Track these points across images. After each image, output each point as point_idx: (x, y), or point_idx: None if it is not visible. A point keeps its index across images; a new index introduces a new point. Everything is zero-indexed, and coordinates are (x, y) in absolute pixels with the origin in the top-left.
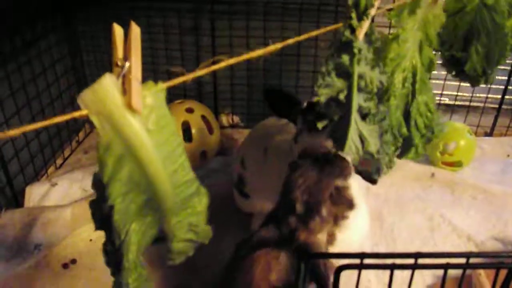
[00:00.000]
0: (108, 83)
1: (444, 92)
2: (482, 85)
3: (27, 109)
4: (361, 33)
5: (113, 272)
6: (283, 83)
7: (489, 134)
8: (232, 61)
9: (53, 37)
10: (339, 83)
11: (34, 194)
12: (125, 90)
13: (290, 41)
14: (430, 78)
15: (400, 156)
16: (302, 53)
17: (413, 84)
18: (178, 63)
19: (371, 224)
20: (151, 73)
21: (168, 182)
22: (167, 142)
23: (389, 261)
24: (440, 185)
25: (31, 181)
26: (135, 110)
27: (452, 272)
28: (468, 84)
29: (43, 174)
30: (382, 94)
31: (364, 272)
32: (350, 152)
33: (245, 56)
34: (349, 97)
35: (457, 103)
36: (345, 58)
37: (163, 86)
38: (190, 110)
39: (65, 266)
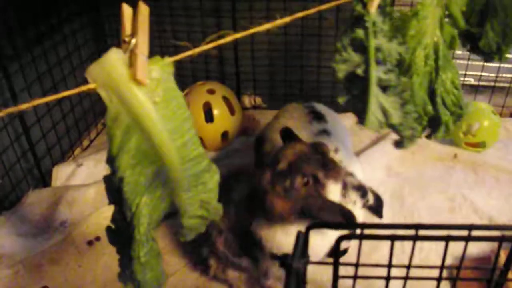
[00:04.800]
0: (114, 57)
1: (468, 72)
2: (508, 65)
3: (53, 93)
4: (372, 6)
5: (119, 250)
6: (304, 63)
7: None
8: (238, 35)
9: (77, 22)
10: (356, 57)
11: (61, 174)
12: (132, 63)
13: (299, 14)
14: (454, 58)
15: (429, 137)
16: (323, 33)
17: (436, 61)
18: (199, 45)
19: (391, 204)
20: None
21: (175, 154)
22: (174, 115)
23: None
24: (462, 166)
25: (58, 162)
26: (140, 82)
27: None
28: (492, 64)
29: (70, 156)
30: (404, 66)
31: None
32: (373, 126)
33: (251, 31)
34: (367, 70)
35: (481, 83)
36: (359, 32)
37: (169, 60)
38: (211, 91)
39: (89, 243)
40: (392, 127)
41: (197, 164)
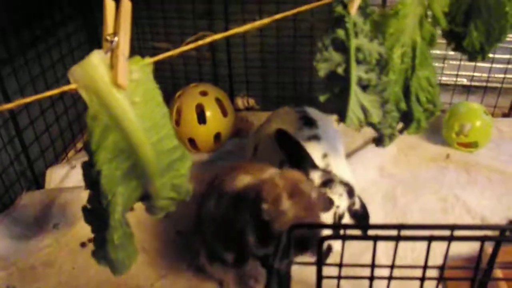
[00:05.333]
0: (95, 60)
1: (461, 73)
2: (500, 66)
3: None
4: (353, 8)
5: (94, 230)
6: (296, 65)
7: (507, 115)
8: (217, 36)
9: (71, 25)
10: (337, 57)
11: (54, 176)
12: (113, 65)
13: (287, 13)
14: (445, 58)
15: (401, 131)
16: (316, 34)
17: (413, 59)
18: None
19: (383, 205)
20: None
21: (151, 150)
22: (152, 114)
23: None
24: (455, 166)
25: (52, 164)
26: (121, 86)
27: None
28: (484, 64)
29: (63, 158)
30: (383, 67)
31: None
32: (352, 124)
33: (229, 32)
34: (347, 70)
35: (473, 83)
36: (340, 32)
37: (149, 60)
38: (204, 93)
39: (83, 245)
40: (372, 125)
41: (171, 154)
